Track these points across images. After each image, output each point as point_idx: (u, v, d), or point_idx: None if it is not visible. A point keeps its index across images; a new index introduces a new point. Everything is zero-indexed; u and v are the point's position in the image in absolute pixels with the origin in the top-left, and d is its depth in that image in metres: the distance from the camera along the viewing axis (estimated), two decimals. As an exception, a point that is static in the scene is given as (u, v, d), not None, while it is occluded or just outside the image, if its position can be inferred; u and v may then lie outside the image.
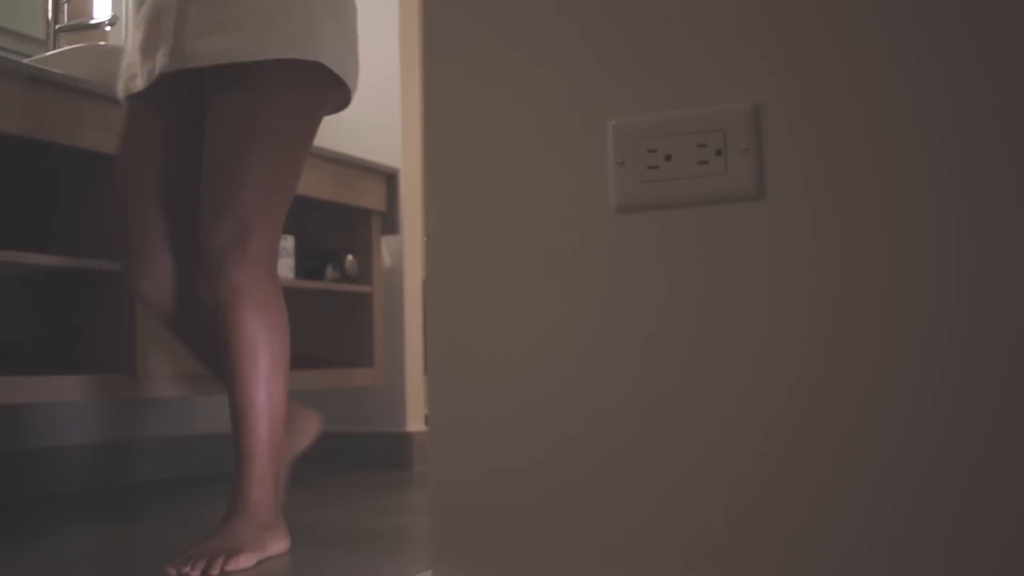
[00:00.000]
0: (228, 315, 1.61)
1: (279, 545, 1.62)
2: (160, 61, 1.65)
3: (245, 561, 1.55)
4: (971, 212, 0.79)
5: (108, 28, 2.58)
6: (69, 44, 2.49)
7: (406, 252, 3.03)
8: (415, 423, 3.00)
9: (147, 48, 1.69)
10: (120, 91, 1.76)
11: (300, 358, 2.92)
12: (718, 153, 0.87)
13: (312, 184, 2.66)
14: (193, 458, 2.92)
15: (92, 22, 2.55)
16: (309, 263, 2.88)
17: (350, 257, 2.85)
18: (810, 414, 0.83)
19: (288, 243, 2.72)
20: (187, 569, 1.47)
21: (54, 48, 2.50)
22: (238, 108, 1.64)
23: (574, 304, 0.91)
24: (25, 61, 2.10)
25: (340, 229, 2.92)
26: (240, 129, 1.63)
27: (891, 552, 0.80)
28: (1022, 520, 0.76)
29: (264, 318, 1.63)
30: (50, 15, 2.52)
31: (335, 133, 3.07)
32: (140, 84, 1.69)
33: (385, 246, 3.02)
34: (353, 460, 3.00)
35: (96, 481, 2.59)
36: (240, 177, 1.62)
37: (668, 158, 0.89)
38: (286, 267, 2.72)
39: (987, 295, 0.78)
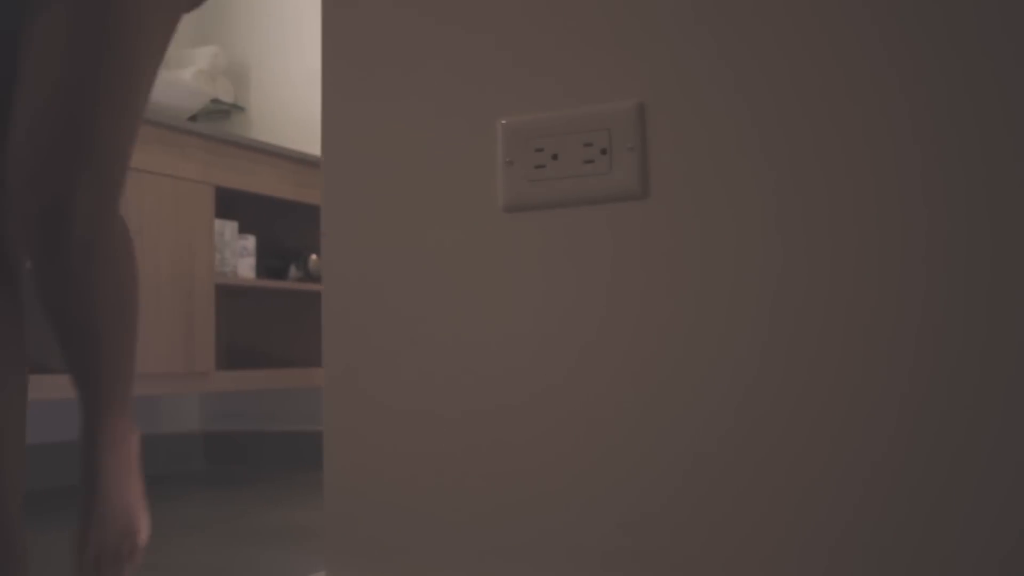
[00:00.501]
0: (87, 280, 1.28)
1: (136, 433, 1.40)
2: None
3: (143, 538, 1.35)
4: (868, 205, 0.79)
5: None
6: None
7: (371, 252, 3.03)
8: (379, 423, 2.99)
9: None
10: None
11: (264, 357, 2.92)
12: (603, 152, 0.87)
13: (275, 183, 2.66)
14: (151, 458, 2.91)
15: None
16: (272, 262, 2.87)
17: (314, 256, 2.84)
18: (719, 416, 0.83)
19: (249, 242, 2.72)
20: None
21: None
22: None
23: (463, 303, 0.91)
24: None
25: (303, 228, 2.92)
26: (90, 33, 1.22)
27: (851, 567, 0.79)
28: (991, 538, 0.76)
29: (122, 270, 1.33)
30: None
31: (297, 132, 3.07)
32: None
33: (350, 246, 3.01)
34: (316, 459, 3.00)
35: (44, 481, 2.58)
36: (94, 115, 1.22)
37: (555, 157, 0.88)
38: (247, 266, 2.71)
39: (886, 284, 0.78)
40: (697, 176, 0.84)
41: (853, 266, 0.78)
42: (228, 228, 2.62)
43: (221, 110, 3.23)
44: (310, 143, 3.04)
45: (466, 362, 0.91)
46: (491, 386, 0.90)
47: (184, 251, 2.43)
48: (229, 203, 2.76)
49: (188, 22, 3.43)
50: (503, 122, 0.90)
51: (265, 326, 2.91)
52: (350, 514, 0.94)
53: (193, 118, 2.94)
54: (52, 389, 2.02)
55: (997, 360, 0.74)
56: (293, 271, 2.85)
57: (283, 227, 2.94)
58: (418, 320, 0.93)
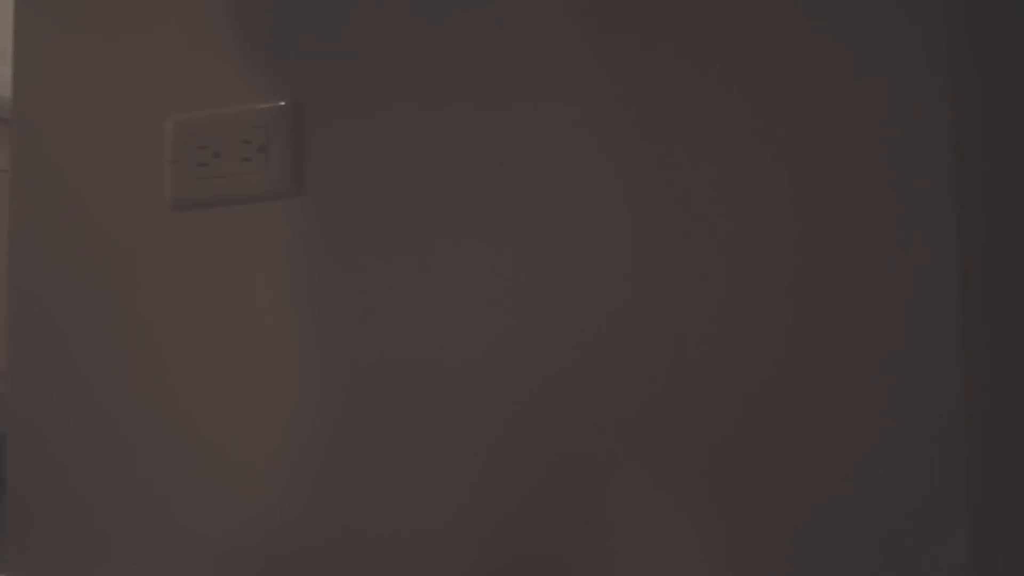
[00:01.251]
0: None
1: None
2: None
3: None
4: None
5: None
6: None
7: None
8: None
9: None
10: None
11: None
12: (261, 150, 0.87)
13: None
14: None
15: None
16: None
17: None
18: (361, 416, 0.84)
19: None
20: None
21: None
22: None
23: (133, 301, 0.91)
24: None
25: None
26: None
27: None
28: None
29: None
30: None
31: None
32: None
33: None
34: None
35: None
36: None
37: (216, 155, 0.89)
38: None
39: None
40: (351, 173, 0.85)
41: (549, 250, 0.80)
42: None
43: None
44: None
45: (140, 364, 0.90)
46: (170, 387, 0.90)
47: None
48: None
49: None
50: (171, 120, 0.90)
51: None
52: (33, 516, 0.94)
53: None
54: None
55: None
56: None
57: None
58: (94, 318, 0.92)
